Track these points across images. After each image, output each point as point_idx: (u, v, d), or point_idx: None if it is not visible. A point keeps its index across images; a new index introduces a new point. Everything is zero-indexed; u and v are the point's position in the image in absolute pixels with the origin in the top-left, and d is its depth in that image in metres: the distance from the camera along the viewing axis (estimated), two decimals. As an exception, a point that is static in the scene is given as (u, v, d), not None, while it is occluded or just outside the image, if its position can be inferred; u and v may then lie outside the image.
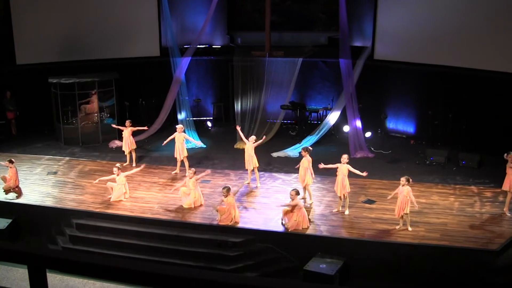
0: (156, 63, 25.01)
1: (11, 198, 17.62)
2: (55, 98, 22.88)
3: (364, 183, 18.17)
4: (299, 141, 21.87)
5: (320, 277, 13.68)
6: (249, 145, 18.13)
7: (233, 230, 15.47)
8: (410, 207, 14.77)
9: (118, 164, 17.77)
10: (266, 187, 18.34)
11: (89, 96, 23.02)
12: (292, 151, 21.27)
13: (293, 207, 15.05)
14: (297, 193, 15.18)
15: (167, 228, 15.93)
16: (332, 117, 22.48)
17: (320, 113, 24.24)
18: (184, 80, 23.83)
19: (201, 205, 16.71)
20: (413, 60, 22.19)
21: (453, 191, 17.64)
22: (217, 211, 15.74)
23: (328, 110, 23.65)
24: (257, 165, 18.25)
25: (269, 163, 20.30)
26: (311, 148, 17.12)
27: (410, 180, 15.03)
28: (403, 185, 14.84)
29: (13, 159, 18.08)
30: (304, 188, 16.96)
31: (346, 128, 22.13)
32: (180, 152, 19.22)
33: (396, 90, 23.16)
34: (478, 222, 15.45)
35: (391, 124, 23.55)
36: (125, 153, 20.23)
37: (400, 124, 23.33)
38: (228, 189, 15.59)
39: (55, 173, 19.71)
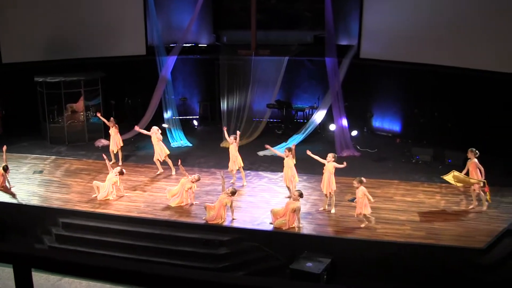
0: (142, 62, 24.93)
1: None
2: (41, 97, 22.81)
3: (350, 181, 18.17)
4: (286, 140, 21.88)
5: (307, 275, 13.71)
6: (232, 145, 18.13)
7: (220, 228, 15.46)
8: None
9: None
10: (252, 185, 18.35)
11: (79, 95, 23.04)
12: (278, 150, 21.26)
13: (287, 206, 15.08)
14: (300, 195, 15.17)
15: (153, 227, 15.90)
16: (318, 116, 22.53)
17: (306, 112, 24.29)
18: (170, 79, 23.82)
19: (187, 204, 16.67)
20: (399, 59, 22.25)
21: (439, 189, 17.70)
22: (205, 208, 15.75)
23: (314, 109, 23.70)
24: (242, 164, 18.25)
25: (255, 162, 20.31)
26: (293, 148, 17.14)
27: (364, 180, 15.14)
28: (357, 188, 14.96)
29: (7, 167, 17.97)
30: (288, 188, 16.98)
31: (332, 127, 22.13)
32: (160, 153, 19.15)
33: (382, 89, 23.23)
34: (464, 221, 15.52)
35: (377, 123, 23.64)
36: (114, 152, 20.07)
37: (386, 123, 23.42)
38: (233, 192, 15.63)
39: (41, 172, 19.64)
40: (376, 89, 23.41)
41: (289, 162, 16.70)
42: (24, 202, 17.22)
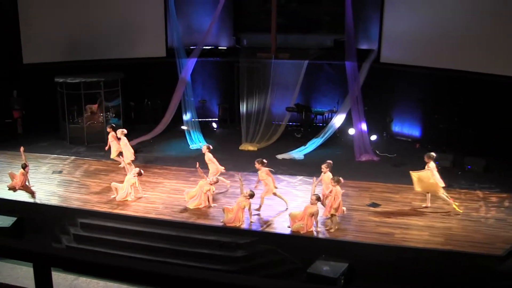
0: (162, 64, 25.01)
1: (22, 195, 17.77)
2: (61, 98, 22.95)
3: (369, 186, 18.14)
4: (305, 143, 21.85)
5: (324, 279, 13.67)
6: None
7: (237, 231, 15.47)
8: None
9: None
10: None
11: (98, 97, 23.15)
12: (297, 153, 21.24)
13: (305, 210, 15.05)
14: (318, 199, 15.14)
15: (171, 228, 15.93)
16: (338, 120, 22.44)
17: (325, 116, 24.21)
18: (190, 81, 23.88)
19: (205, 206, 16.68)
20: (419, 64, 22.12)
21: (458, 195, 17.54)
22: (223, 210, 15.77)
23: (333, 112, 23.62)
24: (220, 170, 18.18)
25: (274, 165, 20.26)
26: (265, 161, 17.07)
27: (341, 180, 15.22)
28: (333, 185, 14.98)
29: (25, 165, 18.02)
30: (275, 194, 16.88)
31: (351, 131, 22.07)
32: (127, 156, 19.07)
33: (402, 93, 23.11)
34: (483, 227, 15.39)
35: (396, 128, 23.52)
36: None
37: (406, 128, 23.29)
38: (251, 194, 15.62)
39: (60, 172, 19.75)
40: (396, 93, 23.29)
41: (261, 175, 16.69)
42: (43, 202, 17.34)
